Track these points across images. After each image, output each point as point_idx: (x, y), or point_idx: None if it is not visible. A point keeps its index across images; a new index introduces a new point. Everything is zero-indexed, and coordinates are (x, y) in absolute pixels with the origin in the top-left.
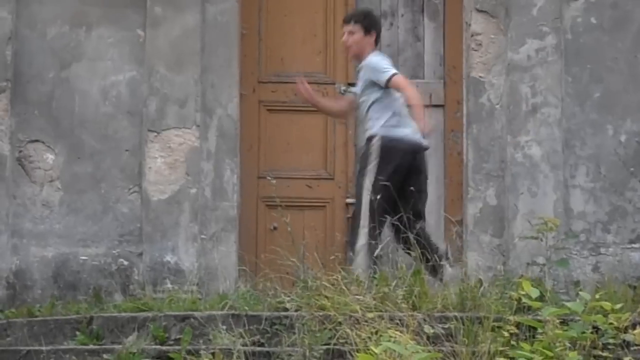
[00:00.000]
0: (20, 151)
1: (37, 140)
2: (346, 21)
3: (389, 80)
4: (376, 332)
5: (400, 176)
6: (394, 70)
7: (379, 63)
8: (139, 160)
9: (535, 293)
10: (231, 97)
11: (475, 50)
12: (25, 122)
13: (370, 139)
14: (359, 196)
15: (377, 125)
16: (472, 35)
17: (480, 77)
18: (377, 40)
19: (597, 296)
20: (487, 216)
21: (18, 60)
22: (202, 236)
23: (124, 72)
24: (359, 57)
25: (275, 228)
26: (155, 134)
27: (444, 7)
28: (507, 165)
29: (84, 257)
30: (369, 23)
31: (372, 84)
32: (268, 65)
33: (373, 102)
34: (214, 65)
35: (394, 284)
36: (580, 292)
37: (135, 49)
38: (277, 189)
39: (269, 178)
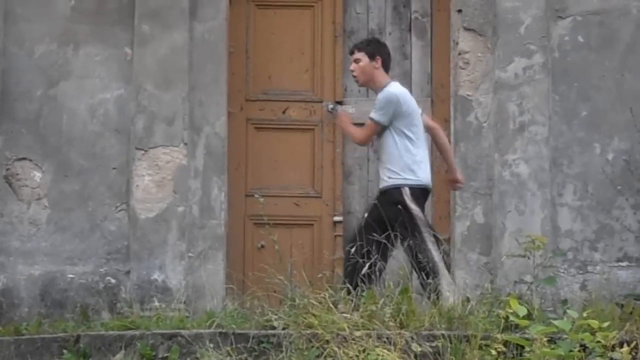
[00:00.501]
0: (8, 169)
1: (24, 158)
2: (351, 52)
3: (369, 117)
4: (364, 351)
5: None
6: (378, 118)
7: (383, 100)
8: (127, 178)
9: (522, 311)
10: (219, 115)
11: (463, 69)
12: (13, 140)
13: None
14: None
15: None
16: (459, 54)
17: (467, 95)
18: (386, 66)
19: (584, 314)
20: (474, 234)
21: (5, 78)
22: (190, 254)
23: (112, 90)
24: (370, 85)
25: (262, 246)
26: (143, 151)
27: (432, 25)
28: (494, 184)
29: (71, 275)
30: (373, 49)
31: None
32: (256, 83)
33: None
34: (202, 83)
35: (381, 302)
36: (567, 310)
37: (123, 67)
38: (265, 207)
39: (256, 196)
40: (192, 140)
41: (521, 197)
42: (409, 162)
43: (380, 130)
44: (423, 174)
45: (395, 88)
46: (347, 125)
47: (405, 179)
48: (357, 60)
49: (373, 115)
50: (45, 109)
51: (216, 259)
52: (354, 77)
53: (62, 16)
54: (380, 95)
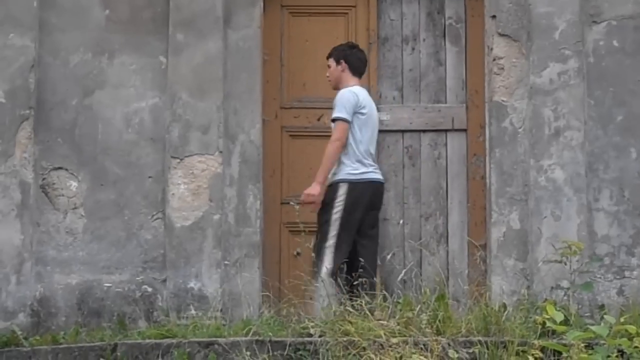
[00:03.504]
0: (44, 179)
1: (60, 168)
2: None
3: (332, 120)
4: (400, 357)
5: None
6: (344, 116)
7: (341, 98)
8: (162, 186)
9: (559, 317)
10: (254, 123)
11: (498, 74)
12: (49, 149)
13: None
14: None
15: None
16: (494, 59)
17: (502, 101)
18: (355, 71)
19: (622, 320)
20: (510, 240)
21: (41, 88)
22: (226, 262)
23: (147, 99)
24: (339, 87)
25: (298, 254)
26: (178, 160)
27: (466, 31)
28: (530, 189)
29: (107, 284)
30: (337, 54)
31: None
32: (290, 90)
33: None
34: (237, 92)
35: (417, 308)
36: (605, 316)
37: (158, 76)
38: (300, 214)
39: (292, 203)
40: (227, 148)
41: (557, 203)
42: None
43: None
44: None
45: (354, 88)
46: (317, 178)
47: None
48: (328, 66)
49: (338, 114)
50: (81, 119)
51: (252, 267)
52: (329, 82)
53: (96, 26)
54: (337, 95)
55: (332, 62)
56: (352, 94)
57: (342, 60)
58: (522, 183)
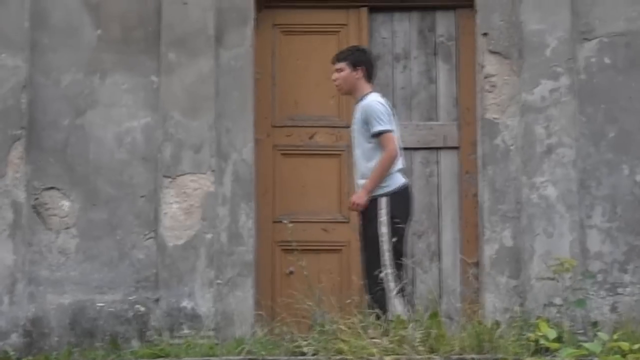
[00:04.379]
0: (36, 198)
1: (52, 188)
2: (334, 61)
3: (379, 134)
4: None
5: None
6: (387, 127)
7: (377, 109)
8: (155, 206)
9: (552, 334)
10: (246, 141)
11: (489, 92)
12: (41, 169)
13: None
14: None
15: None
16: (485, 77)
17: (494, 118)
18: (370, 77)
19: (615, 336)
20: (503, 257)
21: (33, 108)
22: (219, 281)
23: (139, 119)
24: (352, 94)
25: (291, 272)
26: (171, 179)
27: (457, 49)
28: (522, 206)
29: (100, 304)
30: (355, 59)
31: (364, 125)
32: (282, 109)
33: (371, 149)
34: (229, 110)
35: (410, 326)
36: (598, 333)
37: (150, 95)
38: (293, 233)
39: (284, 222)
40: (219, 167)
41: (549, 220)
42: None
43: None
44: None
45: (376, 97)
46: (367, 188)
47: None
48: (339, 70)
49: (383, 128)
50: (73, 138)
51: (245, 286)
52: (336, 86)
53: (88, 46)
54: (374, 103)
55: (345, 66)
56: (382, 106)
57: (360, 67)
58: (515, 200)
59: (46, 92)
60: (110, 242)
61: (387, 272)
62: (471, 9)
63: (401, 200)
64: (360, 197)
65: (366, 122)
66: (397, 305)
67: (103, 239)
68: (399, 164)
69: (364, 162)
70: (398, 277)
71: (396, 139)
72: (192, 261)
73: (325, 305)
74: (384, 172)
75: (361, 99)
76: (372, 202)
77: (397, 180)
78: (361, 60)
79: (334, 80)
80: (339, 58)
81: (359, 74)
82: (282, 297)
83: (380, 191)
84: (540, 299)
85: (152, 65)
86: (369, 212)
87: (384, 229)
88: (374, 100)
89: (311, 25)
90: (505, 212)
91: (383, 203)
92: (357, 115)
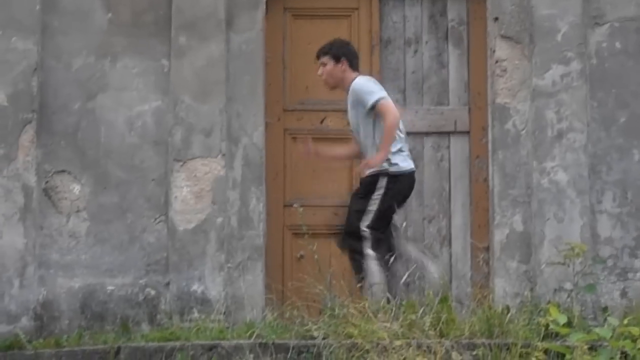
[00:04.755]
0: (47, 182)
1: (63, 171)
2: (317, 56)
3: (374, 105)
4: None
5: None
6: (380, 94)
7: (364, 85)
8: (165, 189)
9: (563, 319)
10: (256, 125)
11: (500, 77)
12: (52, 153)
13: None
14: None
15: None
16: (496, 62)
17: (505, 103)
18: (354, 67)
19: (625, 321)
20: (513, 242)
21: (44, 92)
22: (229, 265)
23: (150, 102)
24: (341, 86)
25: (301, 256)
26: (181, 163)
27: (468, 33)
28: (533, 191)
29: (111, 288)
30: (337, 51)
31: (360, 107)
32: (293, 93)
33: (373, 128)
34: (239, 94)
35: (421, 311)
36: (608, 318)
37: (160, 79)
38: (304, 217)
39: (295, 206)
40: (230, 151)
41: (560, 205)
42: None
43: None
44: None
45: (360, 77)
46: (382, 153)
47: None
48: (323, 64)
49: (376, 97)
50: (84, 122)
51: (255, 270)
52: (323, 81)
53: (99, 29)
54: (359, 81)
55: (328, 60)
56: (367, 80)
57: (343, 58)
58: (525, 185)
59: (57, 75)
60: (121, 225)
61: (365, 233)
62: None
63: (400, 183)
64: (375, 159)
65: (359, 102)
66: (372, 269)
67: (113, 222)
68: (398, 143)
69: (370, 141)
70: (383, 246)
71: (392, 104)
72: (203, 245)
73: (335, 289)
74: (393, 133)
75: (349, 87)
76: (373, 178)
77: (404, 164)
78: (343, 52)
79: (320, 76)
80: (321, 53)
81: (343, 65)
82: (293, 281)
83: (383, 169)
84: (550, 283)
85: (163, 49)
86: (366, 186)
87: (374, 206)
88: (358, 80)
89: (322, 9)
90: (515, 196)
91: (383, 182)
92: (349, 101)
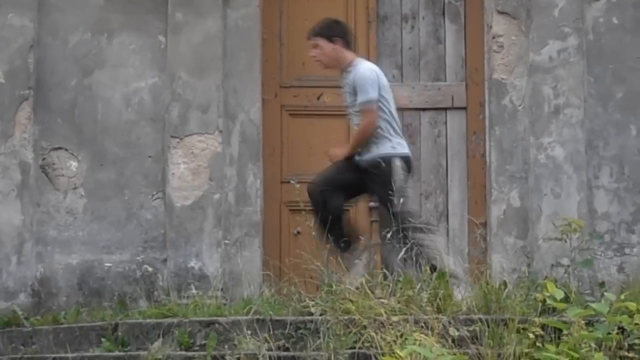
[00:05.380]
0: (44, 159)
1: (60, 148)
2: (309, 37)
3: (362, 103)
4: (401, 336)
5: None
6: (372, 96)
7: (366, 78)
8: (162, 166)
9: (560, 294)
10: (253, 102)
11: (497, 52)
12: (48, 129)
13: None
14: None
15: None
16: (493, 37)
17: (502, 79)
18: (348, 44)
19: (622, 297)
20: (511, 218)
21: (40, 68)
22: (226, 241)
23: (146, 79)
24: (336, 66)
25: (299, 232)
26: (178, 140)
27: (465, 9)
28: (530, 167)
29: (108, 264)
30: (329, 31)
31: (355, 96)
32: (290, 69)
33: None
34: (236, 71)
35: (418, 287)
36: (605, 293)
37: (157, 55)
38: (301, 193)
39: (292, 182)
40: (227, 127)
41: (557, 180)
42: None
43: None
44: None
45: (368, 64)
46: (345, 148)
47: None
48: (316, 46)
49: (368, 97)
50: (80, 99)
51: (252, 246)
52: (317, 61)
53: (95, 5)
54: (367, 72)
55: (322, 41)
56: (371, 73)
57: (336, 38)
58: (522, 161)
59: (53, 52)
60: (118, 202)
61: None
62: None
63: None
64: (340, 152)
65: (356, 92)
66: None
67: (111, 199)
68: (392, 130)
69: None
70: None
71: (375, 113)
72: (200, 221)
73: (332, 265)
74: (363, 138)
75: (348, 67)
76: (386, 163)
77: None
78: (336, 31)
79: (313, 57)
80: (313, 34)
81: (337, 44)
82: (290, 257)
83: (393, 152)
84: (547, 259)
85: (160, 25)
86: (381, 174)
87: (393, 187)
88: (365, 68)
89: None
90: (512, 172)
91: (397, 163)
92: (348, 83)
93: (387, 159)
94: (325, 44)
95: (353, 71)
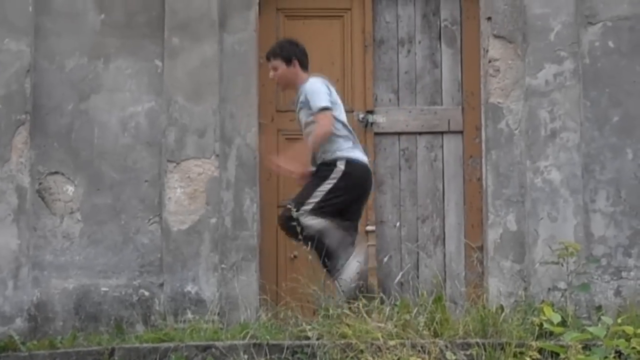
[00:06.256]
0: (40, 183)
1: (56, 172)
2: (267, 59)
3: (317, 110)
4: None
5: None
6: (326, 104)
7: (316, 88)
8: (159, 190)
9: (557, 318)
10: (250, 126)
11: (493, 76)
12: (45, 154)
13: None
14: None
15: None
16: (489, 61)
17: (498, 102)
18: (305, 66)
19: (619, 320)
20: (507, 242)
21: (37, 93)
22: (223, 266)
23: (143, 103)
24: (294, 87)
25: (295, 257)
26: (175, 164)
27: (461, 33)
28: (526, 191)
29: (105, 289)
30: (287, 53)
31: (307, 108)
32: (286, 94)
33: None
34: (233, 95)
35: (415, 311)
36: (602, 317)
37: (154, 80)
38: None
39: (289, 206)
40: (223, 152)
41: (553, 204)
42: None
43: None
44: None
45: (315, 78)
46: (288, 163)
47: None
48: (274, 68)
49: (322, 104)
50: (77, 123)
51: (249, 270)
52: (277, 84)
53: (92, 30)
54: (308, 88)
55: (279, 63)
56: (321, 84)
57: (294, 59)
58: (519, 184)
59: (50, 76)
60: (115, 226)
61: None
62: None
63: (353, 173)
64: (297, 169)
65: (307, 103)
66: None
67: (107, 223)
68: (349, 142)
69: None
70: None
71: (331, 117)
72: (196, 246)
73: (329, 289)
74: (314, 146)
75: (300, 87)
76: (328, 165)
77: (355, 155)
78: (293, 53)
79: (272, 79)
80: (271, 56)
81: (295, 66)
82: (287, 281)
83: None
84: (544, 283)
85: (156, 50)
86: (320, 173)
87: (323, 188)
88: (312, 81)
89: (315, 10)
90: (509, 196)
91: (338, 171)
92: (299, 100)
93: (333, 162)
94: (283, 66)
95: (302, 87)
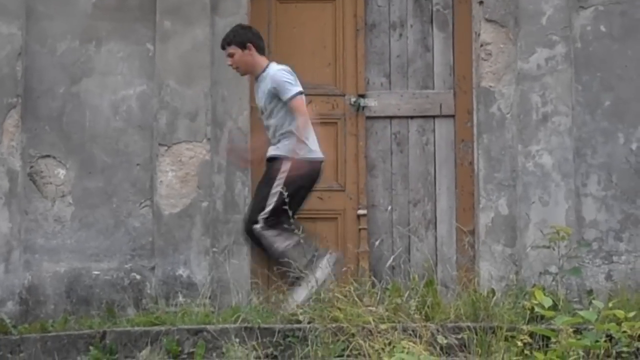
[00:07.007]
0: (32, 167)
1: (48, 156)
2: (222, 47)
3: (291, 98)
4: (389, 343)
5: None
6: (298, 89)
7: (285, 76)
8: (150, 174)
9: (548, 302)
10: (241, 109)
11: (485, 60)
12: (36, 137)
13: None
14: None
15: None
16: (481, 45)
17: (490, 86)
18: (260, 49)
19: (610, 304)
20: (499, 226)
21: (28, 76)
22: (214, 249)
23: (134, 87)
24: (252, 72)
25: None
26: (166, 147)
27: (453, 17)
28: (518, 175)
29: (96, 272)
30: (241, 38)
31: (277, 96)
32: None
33: (286, 115)
34: (224, 79)
35: (406, 294)
36: (593, 301)
37: (145, 63)
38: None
39: (280, 190)
40: (215, 135)
41: (545, 188)
42: None
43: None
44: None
45: (277, 65)
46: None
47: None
48: (231, 55)
49: (295, 91)
50: (68, 106)
51: (241, 254)
52: (235, 69)
53: (83, 13)
54: (277, 76)
55: (235, 49)
56: (286, 72)
57: (249, 44)
58: (510, 168)
59: (42, 60)
60: (106, 210)
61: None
62: None
63: (305, 167)
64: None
65: (278, 91)
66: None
67: (99, 207)
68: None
69: (279, 129)
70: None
71: (305, 101)
72: (188, 229)
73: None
74: (304, 132)
75: (262, 72)
76: (277, 161)
77: (311, 151)
78: (247, 37)
79: (230, 66)
80: (226, 43)
81: (251, 50)
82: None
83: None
84: (535, 267)
85: (148, 33)
86: (271, 170)
87: (277, 188)
88: (277, 69)
89: None
90: (500, 180)
91: (287, 165)
92: (263, 87)
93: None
94: (239, 52)
95: (267, 75)
